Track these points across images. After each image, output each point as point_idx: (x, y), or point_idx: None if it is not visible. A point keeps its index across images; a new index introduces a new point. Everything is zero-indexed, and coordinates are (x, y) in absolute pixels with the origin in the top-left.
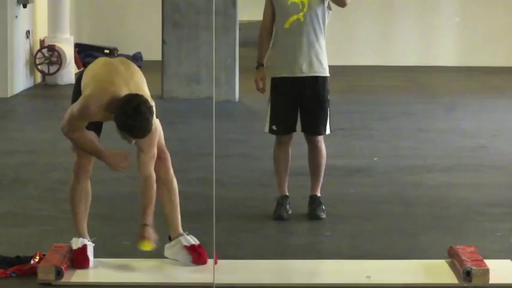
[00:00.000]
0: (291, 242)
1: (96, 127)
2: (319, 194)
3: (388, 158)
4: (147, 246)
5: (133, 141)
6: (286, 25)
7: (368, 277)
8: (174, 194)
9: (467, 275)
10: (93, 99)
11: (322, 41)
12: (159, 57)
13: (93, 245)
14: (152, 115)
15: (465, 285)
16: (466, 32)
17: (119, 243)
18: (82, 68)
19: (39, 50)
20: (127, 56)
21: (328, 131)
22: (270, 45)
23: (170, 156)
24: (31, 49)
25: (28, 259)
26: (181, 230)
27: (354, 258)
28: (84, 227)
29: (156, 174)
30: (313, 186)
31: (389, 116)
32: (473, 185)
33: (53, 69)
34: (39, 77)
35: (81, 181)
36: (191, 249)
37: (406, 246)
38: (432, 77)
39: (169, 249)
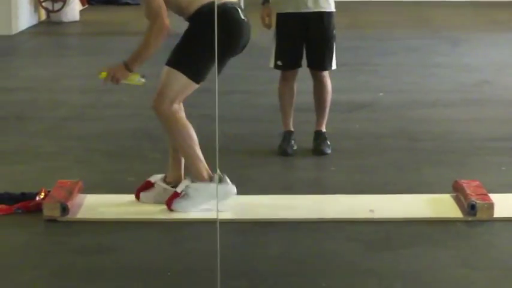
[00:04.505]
0: (295, 177)
1: None
2: (324, 130)
3: (392, 93)
4: (102, 74)
5: None
6: None
7: (372, 211)
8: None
9: (472, 208)
10: None
11: None
12: None
13: None
14: None
15: (470, 219)
16: None
17: (124, 180)
18: (86, 5)
19: None
20: None
21: (334, 67)
22: None
23: None
24: None
25: (33, 196)
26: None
27: (358, 193)
28: None
29: None
30: (318, 122)
31: (394, 51)
32: (477, 120)
33: (57, 6)
34: (43, 15)
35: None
36: None
37: (410, 181)
38: (437, 12)
39: None
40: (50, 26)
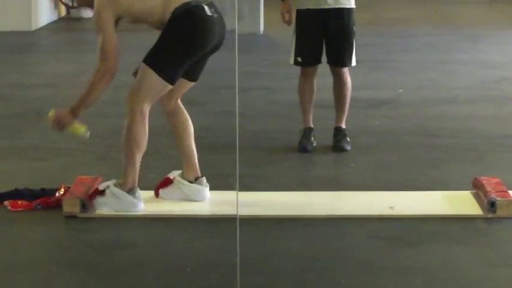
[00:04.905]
0: (315, 173)
1: None
2: (344, 126)
3: (411, 90)
4: (50, 113)
5: None
6: None
7: (391, 208)
8: None
9: (492, 206)
10: None
11: None
12: None
13: None
14: None
15: (489, 216)
16: None
17: (144, 176)
18: None
19: None
20: None
21: (353, 63)
22: None
23: (194, 89)
24: None
25: (53, 191)
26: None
27: (377, 189)
28: None
29: None
30: (338, 118)
31: (413, 47)
32: (496, 117)
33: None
34: (63, 11)
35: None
36: None
37: (429, 178)
38: (456, 9)
39: None
40: (69, 22)
